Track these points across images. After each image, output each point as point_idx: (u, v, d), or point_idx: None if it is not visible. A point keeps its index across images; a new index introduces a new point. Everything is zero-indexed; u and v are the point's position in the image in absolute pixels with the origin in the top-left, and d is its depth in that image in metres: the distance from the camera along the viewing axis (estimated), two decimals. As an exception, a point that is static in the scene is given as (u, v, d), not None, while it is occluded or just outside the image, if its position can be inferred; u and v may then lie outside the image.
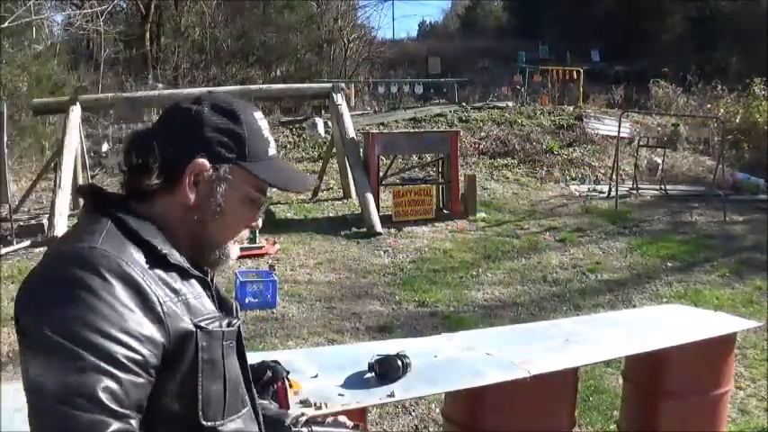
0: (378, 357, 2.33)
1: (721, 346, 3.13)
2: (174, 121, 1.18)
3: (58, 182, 8.58)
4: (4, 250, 7.48)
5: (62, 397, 0.92)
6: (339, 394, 2.20)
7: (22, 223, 8.31)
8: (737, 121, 14.25)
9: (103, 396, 0.93)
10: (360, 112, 14.61)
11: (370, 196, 8.92)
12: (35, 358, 0.97)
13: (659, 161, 11.87)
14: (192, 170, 1.13)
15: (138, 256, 1.07)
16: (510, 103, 15.64)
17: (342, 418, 1.53)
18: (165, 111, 1.21)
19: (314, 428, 1.39)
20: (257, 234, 7.32)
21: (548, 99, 16.06)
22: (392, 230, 8.75)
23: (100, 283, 0.99)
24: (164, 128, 1.17)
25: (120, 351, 0.97)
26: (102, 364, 0.95)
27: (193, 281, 1.15)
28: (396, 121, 13.97)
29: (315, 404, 2.10)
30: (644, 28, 22.03)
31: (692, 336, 2.95)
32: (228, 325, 1.15)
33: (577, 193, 11.14)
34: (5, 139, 8.86)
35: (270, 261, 7.28)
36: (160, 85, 15.81)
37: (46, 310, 0.98)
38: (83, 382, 0.93)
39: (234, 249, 1.24)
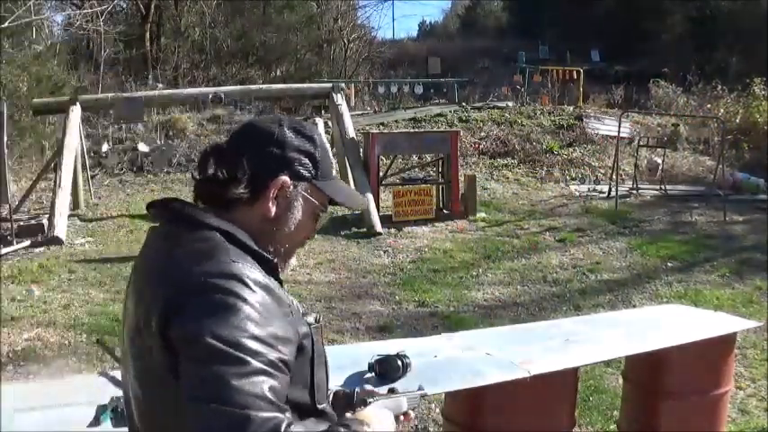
0: (378, 357, 2.32)
1: (721, 346, 3.12)
2: (257, 140, 1.29)
3: (58, 182, 8.59)
4: (4, 250, 7.47)
5: (238, 399, 1.01)
6: (339, 394, 2.20)
7: (22, 223, 8.29)
8: (737, 121, 14.26)
9: (270, 395, 1.04)
10: (360, 112, 14.61)
11: (370, 196, 8.91)
12: (197, 365, 1.04)
13: (659, 161, 11.87)
14: (276, 185, 1.26)
15: (257, 266, 1.19)
16: (510, 103, 15.64)
17: (368, 387, 1.55)
18: (244, 129, 1.32)
19: (371, 400, 1.47)
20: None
21: (548, 99, 16.06)
22: (392, 230, 8.75)
23: (249, 293, 1.10)
24: (248, 145, 1.28)
25: (272, 354, 1.08)
26: (264, 367, 1.06)
27: (277, 284, 1.25)
28: (396, 121, 13.97)
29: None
30: (644, 28, 22.01)
31: (692, 336, 2.95)
32: (316, 321, 1.30)
33: (577, 193, 11.14)
34: (5, 139, 8.85)
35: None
36: (160, 85, 15.82)
37: (206, 321, 1.06)
38: (253, 385, 1.03)
39: (294, 258, 1.38)
